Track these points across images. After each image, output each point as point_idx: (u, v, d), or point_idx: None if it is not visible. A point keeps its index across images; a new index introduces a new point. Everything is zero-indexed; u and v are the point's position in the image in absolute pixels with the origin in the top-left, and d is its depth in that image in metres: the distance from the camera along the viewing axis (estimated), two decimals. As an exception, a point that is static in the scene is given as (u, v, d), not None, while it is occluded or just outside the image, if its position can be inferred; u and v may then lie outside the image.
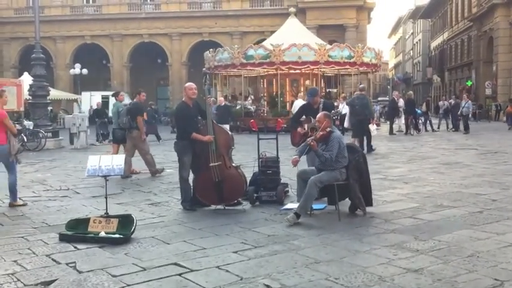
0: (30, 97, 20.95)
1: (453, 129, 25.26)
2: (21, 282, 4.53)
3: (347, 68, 27.91)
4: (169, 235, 6.05)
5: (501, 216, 6.66)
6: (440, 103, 31.33)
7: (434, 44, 62.02)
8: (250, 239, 5.75)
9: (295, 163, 6.80)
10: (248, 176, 7.90)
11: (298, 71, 27.18)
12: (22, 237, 6.09)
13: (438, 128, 26.52)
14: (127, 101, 15.42)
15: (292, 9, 32.19)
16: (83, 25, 46.33)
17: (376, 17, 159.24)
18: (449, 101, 29.95)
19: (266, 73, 28.88)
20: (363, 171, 7.03)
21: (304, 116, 8.58)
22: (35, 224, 6.80)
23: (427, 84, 65.09)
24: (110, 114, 33.65)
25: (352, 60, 26.51)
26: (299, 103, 18.42)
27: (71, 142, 19.50)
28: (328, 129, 6.79)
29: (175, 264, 4.92)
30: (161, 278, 4.55)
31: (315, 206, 7.01)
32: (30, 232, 6.33)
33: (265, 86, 30.60)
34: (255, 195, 7.74)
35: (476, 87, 42.08)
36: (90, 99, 38.65)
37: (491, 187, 8.86)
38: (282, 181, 8.06)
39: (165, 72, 47.76)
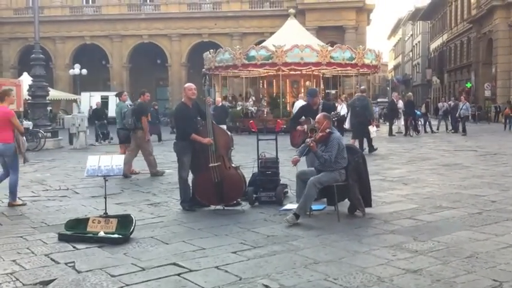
0: (30, 97, 20.94)
1: (452, 131, 25.29)
2: (20, 282, 4.53)
3: (348, 70, 27.95)
4: (168, 235, 6.05)
5: (500, 217, 6.67)
6: (440, 105, 31.36)
7: (433, 45, 62.06)
8: (249, 240, 5.75)
9: (295, 162, 6.82)
10: (247, 177, 7.90)
11: (298, 72, 27.21)
12: (21, 236, 6.08)
13: (437, 129, 26.56)
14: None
15: (291, 11, 32.19)
16: (83, 25, 46.33)
17: (375, 18, 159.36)
18: (449, 102, 29.99)
19: (266, 74, 28.89)
20: (362, 172, 7.03)
21: (303, 117, 8.59)
22: (34, 223, 6.79)
23: (427, 85, 65.11)
24: (111, 114, 33.70)
25: (353, 62, 26.59)
26: (300, 104, 18.43)
27: (70, 142, 19.49)
28: (328, 130, 6.79)
29: (174, 264, 4.92)
30: (160, 278, 4.55)
31: (314, 207, 7.01)
32: (29, 232, 6.32)
33: (265, 87, 30.62)
34: (255, 195, 7.74)
35: (476, 89, 42.12)
36: (90, 100, 38.62)
37: (491, 188, 8.87)
38: (281, 182, 8.06)
39: (164, 72, 47.77)
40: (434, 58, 60.91)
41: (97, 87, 44.73)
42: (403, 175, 10.70)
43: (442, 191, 8.66)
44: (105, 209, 6.45)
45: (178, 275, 4.63)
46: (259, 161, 7.99)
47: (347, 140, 10.00)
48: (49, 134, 19.29)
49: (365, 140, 15.02)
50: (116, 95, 13.87)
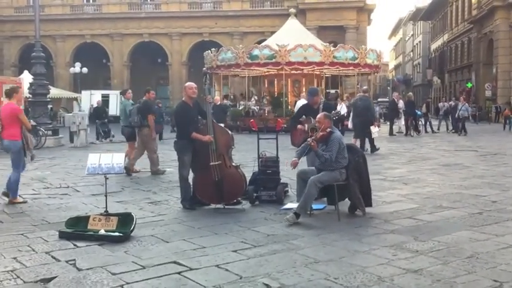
0: (30, 95, 20.94)
1: (453, 131, 25.30)
2: (21, 279, 4.53)
3: (351, 69, 27.99)
4: (168, 234, 6.05)
5: (500, 217, 6.67)
6: (440, 105, 31.36)
7: (434, 45, 62.06)
8: (250, 238, 5.75)
9: (294, 165, 6.81)
10: (248, 176, 7.90)
11: (299, 72, 27.23)
12: (22, 234, 6.09)
13: (438, 129, 26.56)
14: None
15: (292, 10, 32.19)
16: (83, 24, 46.36)
17: (376, 18, 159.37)
18: (450, 102, 29.99)
19: (267, 73, 28.89)
20: (363, 171, 7.03)
21: (304, 116, 8.58)
22: (34, 221, 6.80)
23: (427, 85, 65.12)
24: (111, 113, 33.67)
25: (356, 62, 26.65)
26: (302, 103, 18.47)
27: (71, 140, 19.50)
28: (329, 129, 6.79)
29: (175, 262, 4.92)
30: (160, 276, 4.56)
31: (314, 206, 7.01)
32: (30, 229, 6.33)
33: (266, 86, 30.63)
34: (255, 194, 7.75)
35: (476, 89, 42.13)
36: (90, 98, 38.69)
37: (491, 188, 8.87)
38: (281, 181, 8.06)
39: (165, 71, 47.80)
40: (435, 58, 60.91)
41: (97, 85, 44.77)
42: (404, 175, 10.70)
43: (443, 191, 8.66)
44: (106, 207, 6.45)
45: (179, 273, 4.63)
46: (260, 160, 8.00)
47: (348, 139, 9.99)
48: (50, 132, 19.31)
49: (367, 140, 15.04)
50: (121, 93, 13.93)
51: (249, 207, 7.53)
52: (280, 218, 6.67)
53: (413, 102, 25.82)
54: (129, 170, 11.02)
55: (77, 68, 39.33)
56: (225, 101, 29.21)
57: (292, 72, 26.94)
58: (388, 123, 25.02)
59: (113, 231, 5.88)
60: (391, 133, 23.01)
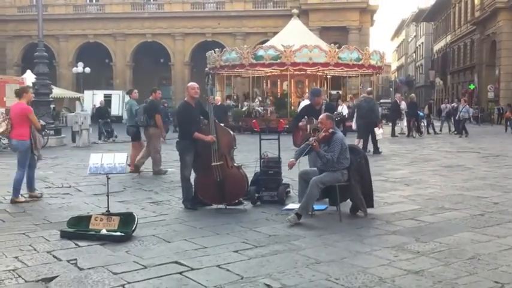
0: (33, 95, 20.92)
1: (455, 132, 25.26)
2: (22, 279, 4.54)
3: (355, 70, 28.01)
4: (170, 233, 6.05)
5: (502, 219, 6.66)
6: (443, 106, 31.30)
7: (437, 47, 61.98)
8: (251, 239, 5.76)
9: (291, 166, 6.84)
10: (250, 176, 7.90)
11: (303, 72, 27.25)
12: (23, 233, 6.10)
13: (440, 130, 26.53)
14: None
15: (295, 11, 32.21)
16: (86, 24, 46.39)
17: (379, 19, 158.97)
18: (452, 104, 29.94)
19: (270, 74, 28.89)
20: (365, 172, 7.03)
21: (306, 117, 8.59)
22: (36, 220, 6.81)
23: (430, 87, 65.03)
24: (113, 113, 33.67)
25: (360, 63, 26.68)
26: (305, 104, 18.48)
27: (73, 140, 19.52)
28: (331, 130, 6.79)
29: (176, 262, 4.93)
30: (162, 276, 4.56)
31: (316, 207, 7.01)
32: (31, 229, 6.34)
33: (269, 86, 30.63)
34: (257, 195, 7.75)
35: (479, 90, 42.05)
36: (93, 98, 38.78)
37: (493, 190, 8.86)
38: (283, 181, 8.06)
39: (167, 71, 47.82)
40: (438, 59, 60.82)
41: (100, 85, 44.82)
42: (406, 176, 10.70)
43: (444, 192, 8.65)
44: (108, 206, 6.45)
45: (180, 273, 4.63)
46: (262, 160, 8.00)
47: (350, 140, 9.99)
48: (52, 132, 19.34)
49: (370, 141, 15.06)
50: (127, 93, 13.99)
51: (251, 208, 7.53)
52: (282, 219, 6.67)
53: (416, 104, 25.79)
54: (138, 169, 11.27)
55: (79, 67, 39.39)
56: (228, 102, 29.21)
57: (295, 73, 26.95)
58: (390, 124, 25.01)
59: (115, 231, 5.88)
60: (393, 134, 22.99)
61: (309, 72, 27.23)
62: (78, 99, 40.46)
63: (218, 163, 7.34)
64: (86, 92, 40.61)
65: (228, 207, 7.44)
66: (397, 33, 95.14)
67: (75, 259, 5.06)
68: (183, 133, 7.66)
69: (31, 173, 8.29)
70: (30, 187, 8.35)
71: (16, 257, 5.15)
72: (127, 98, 13.41)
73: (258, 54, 26.24)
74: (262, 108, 27.40)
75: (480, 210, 7.21)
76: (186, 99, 7.85)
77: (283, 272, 4.62)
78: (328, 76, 30.33)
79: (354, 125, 17.64)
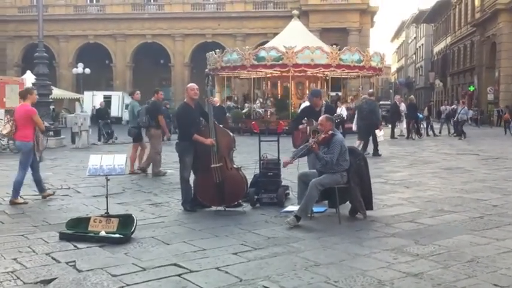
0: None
1: (454, 134, 25.26)
2: (21, 280, 4.54)
3: (356, 72, 28.04)
4: (169, 235, 6.05)
5: (501, 221, 6.66)
6: (442, 108, 31.32)
7: (437, 48, 62.00)
8: (250, 241, 5.75)
9: (285, 164, 6.90)
10: (249, 178, 7.89)
11: (303, 74, 27.26)
12: (22, 235, 6.09)
13: (440, 132, 26.53)
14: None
15: (295, 12, 32.23)
16: (87, 24, 46.44)
17: (379, 20, 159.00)
18: (452, 106, 29.95)
19: (270, 75, 28.89)
20: (364, 174, 7.02)
21: (305, 118, 8.58)
22: (35, 222, 6.80)
23: (429, 88, 65.03)
24: (113, 114, 33.62)
25: (361, 64, 26.71)
26: (306, 105, 18.50)
27: (73, 141, 19.51)
28: (330, 132, 6.79)
29: (175, 264, 4.92)
30: (161, 278, 4.56)
31: (315, 209, 7.00)
32: (30, 230, 6.33)
33: (269, 88, 30.63)
34: (256, 197, 7.74)
35: (479, 92, 42.07)
36: (93, 99, 38.78)
37: (492, 192, 8.86)
38: (282, 183, 8.05)
39: (167, 72, 47.85)
40: (438, 61, 60.84)
41: (100, 86, 44.83)
42: (405, 178, 10.69)
43: (444, 195, 8.64)
44: (107, 208, 6.45)
45: (179, 275, 4.63)
46: (261, 162, 7.99)
47: (349, 142, 9.99)
48: (51, 133, 19.30)
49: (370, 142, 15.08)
50: (129, 94, 14.02)
51: (250, 210, 7.53)
52: (281, 221, 6.67)
53: (415, 105, 25.79)
54: (145, 170, 11.37)
55: (79, 68, 39.43)
56: (228, 103, 29.17)
57: (296, 74, 26.96)
58: (390, 126, 25.00)
59: (114, 233, 5.88)
60: (392, 136, 22.98)
61: (309, 73, 27.25)
62: (78, 100, 40.48)
63: (217, 165, 7.33)
64: (85, 93, 40.63)
65: (227, 209, 7.43)
66: (397, 34, 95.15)
67: (74, 261, 5.05)
68: (183, 134, 7.65)
69: (37, 175, 8.28)
70: (41, 189, 8.38)
71: (15, 259, 5.14)
72: (128, 99, 13.44)
73: (259, 55, 26.26)
74: (263, 109, 27.41)
75: (479, 212, 7.21)
76: (185, 100, 7.85)
77: (282, 275, 4.62)
78: (328, 78, 30.33)
79: (354, 127, 17.65)
